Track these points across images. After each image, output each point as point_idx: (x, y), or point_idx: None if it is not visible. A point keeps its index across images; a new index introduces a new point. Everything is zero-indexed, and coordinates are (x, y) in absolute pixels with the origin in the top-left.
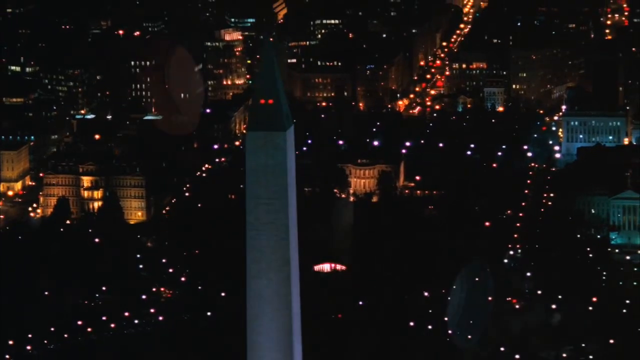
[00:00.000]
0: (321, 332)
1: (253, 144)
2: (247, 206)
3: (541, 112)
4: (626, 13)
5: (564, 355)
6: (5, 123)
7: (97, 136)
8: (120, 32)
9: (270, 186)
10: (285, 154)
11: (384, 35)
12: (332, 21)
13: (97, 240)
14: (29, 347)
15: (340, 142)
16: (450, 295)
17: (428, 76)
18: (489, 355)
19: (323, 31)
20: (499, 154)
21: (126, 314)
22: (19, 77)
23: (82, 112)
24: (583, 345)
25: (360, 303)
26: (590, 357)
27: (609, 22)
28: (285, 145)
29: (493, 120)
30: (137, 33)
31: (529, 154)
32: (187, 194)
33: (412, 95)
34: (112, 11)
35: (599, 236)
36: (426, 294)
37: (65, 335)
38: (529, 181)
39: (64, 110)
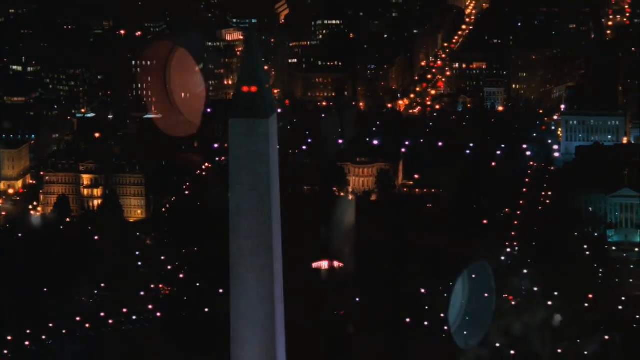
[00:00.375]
0: (320, 329)
1: (236, 131)
2: (230, 193)
3: (541, 111)
4: (627, 14)
5: (559, 351)
6: (7, 122)
7: (97, 135)
8: (122, 32)
9: (253, 173)
10: (268, 141)
11: (385, 36)
12: (333, 21)
13: (96, 237)
14: (27, 343)
15: (340, 141)
16: (447, 293)
17: (429, 76)
18: (484, 351)
19: (324, 31)
20: (498, 153)
21: (124, 310)
22: (21, 77)
23: (83, 111)
24: (578, 341)
25: (357, 300)
26: (585, 352)
27: (610, 23)
28: (268, 132)
29: (493, 120)
30: (138, 33)
31: (528, 153)
32: (186, 193)
33: (412, 95)
34: (114, 12)
35: (596, 234)
36: (423, 290)
37: (64, 331)
38: (527, 180)
39: (65, 110)
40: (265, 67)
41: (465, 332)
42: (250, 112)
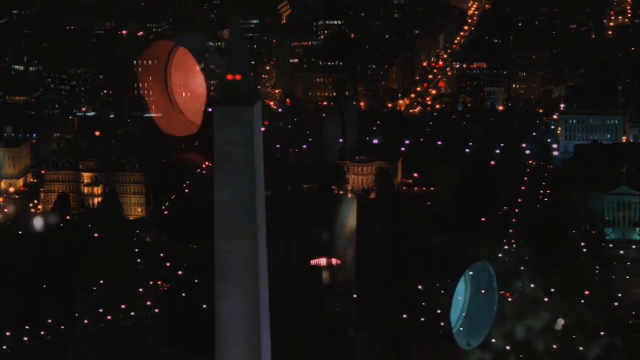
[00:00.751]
0: (319, 327)
1: (220, 119)
2: (215, 180)
3: (540, 111)
4: (628, 14)
5: (555, 347)
6: (9, 121)
7: (97, 133)
8: (124, 32)
9: (238, 160)
10: (253, 128)
11: (387, 36)
12: (335, 22)
13: (96, 235)
14: (25, 339)
15: (340, 140)
16: (444, 290)
17: (430, 76)
18: (480, 346)
19: (325, 31)
20: (497, 151)
21: (123, 306)
22: (22, 76)
23: (83, 109)
24: (574, 337)
25: (355, 296)
26: (581, 348)
27: (611, 24)
28: (253, 119)
29: (493, 120)
30: (140, 33)
31: (527, 152)
32: (186, 191)
33: (412, 95)
34: (116, 12)
35: (594, 231)
36: (420, 287)
37: (62, 327)
38: (525, 178)
39: (67, 109)
40: (267, 67)
41: (465, 332)
42: (235, 100)
